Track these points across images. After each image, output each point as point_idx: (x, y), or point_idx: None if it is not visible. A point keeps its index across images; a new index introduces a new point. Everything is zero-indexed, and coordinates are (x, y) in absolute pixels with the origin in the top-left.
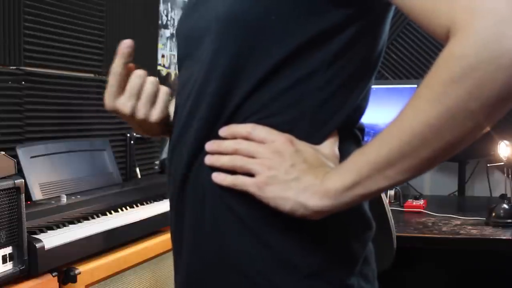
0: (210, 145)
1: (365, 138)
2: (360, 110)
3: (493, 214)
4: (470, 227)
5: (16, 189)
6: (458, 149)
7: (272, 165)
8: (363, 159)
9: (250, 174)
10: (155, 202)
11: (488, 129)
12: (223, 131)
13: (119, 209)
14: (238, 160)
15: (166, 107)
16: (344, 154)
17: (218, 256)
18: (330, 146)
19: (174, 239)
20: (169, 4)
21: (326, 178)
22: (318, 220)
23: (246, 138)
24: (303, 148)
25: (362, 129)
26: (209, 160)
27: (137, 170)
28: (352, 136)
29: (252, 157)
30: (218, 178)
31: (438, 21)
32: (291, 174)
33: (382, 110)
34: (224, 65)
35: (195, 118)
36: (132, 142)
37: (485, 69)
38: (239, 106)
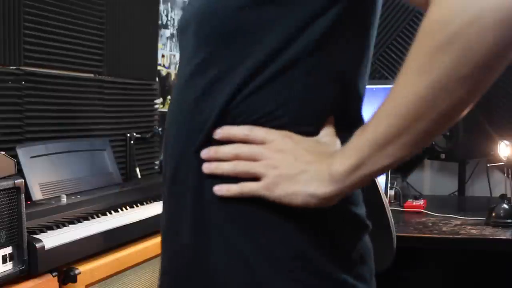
0: (206, 152)
1: None
2: (356, 100)
3: (493, 214)
4: (470, 227)
5: (16, 189)
6: (455, 117)
7: (276, 164)
8: (362, 139)
9: (253, 178)
10: (155, 202)
11: (483, 93)
12: (218, 134)
13: (119, 209)
14: (241, 165)
15: None
16: (343, 143)
17: (201, 255)
18: (329, 133)
19: (162, 232)
20: (169, 4)
21: (330, 163)
22: (305, 218)
23: (243, 140)
24: (302, 140)
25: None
26: (207, 168)
27: (137, 170)
28: (349, 126)
29: (255, 160)
30: (222, 190)
31: None
32: (296, 168)
33: None
34: (203, 60)
35: (182, 115)
36: (132, 142)
37: (469, 33)
38: (225, 104)
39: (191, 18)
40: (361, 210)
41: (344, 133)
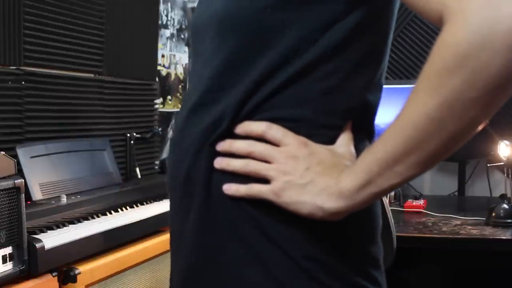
0: (221, 145)
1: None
2: (369, 109)
3: (493, 214)
4: (470, 227)
5: (16, 189)
6: (465, 138)
7: (287, 170)
8: (371, 157)
9: (263, 179)
10: (155, 202)
11: (493, 114)
12: (239, 128)
13: (119, 209)
14: (252, 165)
15: None
16: (359, 152)
17: (216, 251)
18: (345, 145)
19: (172, 236)
20: (169, 4)
21: (340, 179)
22: (326, 219)
23: (260, 136)
24: (317, 150)
25: (372, 131)
26: (219, 164)
27: (137, 170)
28: (366, 136)
29: (266, 161)
30: (231, 189)
31: (430, 6)
32: (306, 178)
33: (382, 110)
34: (223, 62)
35: (200, 114)
36: (132, 142)
37: (478, 56)
38: (243, 101)
39: (211, 20)
40: (377, 209)
41: (361, 140)
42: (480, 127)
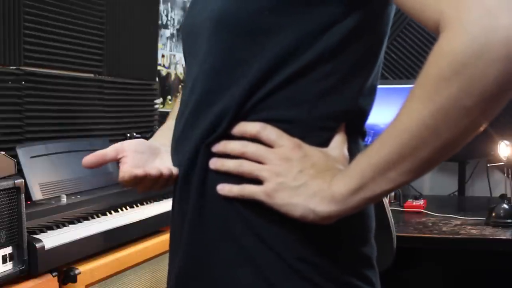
0: (216, 146)
1: (366, 139)
2: (363, 112)
3: (493, 214)
4: (470, 227)
5: (16, 189)
6: (458, 146)
7: (281, 172)
8: (365, 162)
9: (257, 180)
10: (155, 202)
11: (487, 123)
12: (234, 129)
13: (119, 209)
14: (245, 165)
15: None
16: (352, 156)
17: (209, 252)
18: (339, 147)
19: (173, 234)
20: (169, 4)
21: (333, 183)
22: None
23: (255, 137)
24: (311, 153)
25: (364, 133)
26: (214, 164)
27: None
28: (359, 138)
29: (260, 162)
30: (225, 189)
31: (428, 14)
32: (300, 180)
33: (382, 110)
34: (220, 62)
35: (197, 116)
36: None
37: (474, 65)
38: (242, 102)
39: (207, 20)
40: (370, 210)
41: (354, 142)
42: (474, 135)
